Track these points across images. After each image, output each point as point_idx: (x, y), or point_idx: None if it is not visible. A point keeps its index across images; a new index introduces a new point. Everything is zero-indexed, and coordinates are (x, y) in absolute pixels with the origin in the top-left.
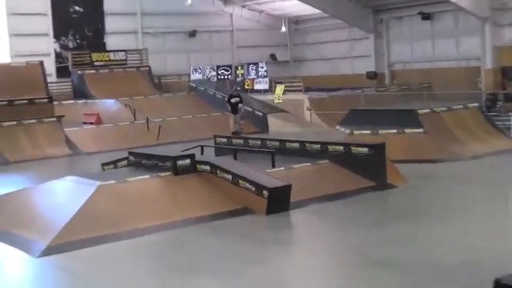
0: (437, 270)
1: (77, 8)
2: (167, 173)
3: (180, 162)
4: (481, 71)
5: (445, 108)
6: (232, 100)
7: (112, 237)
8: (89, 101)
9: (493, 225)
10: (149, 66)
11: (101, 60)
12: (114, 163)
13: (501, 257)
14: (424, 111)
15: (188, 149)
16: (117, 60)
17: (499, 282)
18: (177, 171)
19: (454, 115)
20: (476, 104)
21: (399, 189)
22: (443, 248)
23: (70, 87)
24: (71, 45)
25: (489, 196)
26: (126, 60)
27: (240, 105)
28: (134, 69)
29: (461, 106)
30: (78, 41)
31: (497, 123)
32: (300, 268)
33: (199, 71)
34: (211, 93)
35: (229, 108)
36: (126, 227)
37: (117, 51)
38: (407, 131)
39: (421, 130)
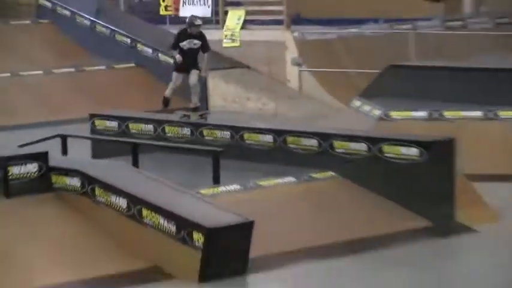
0: None
1: None
2: None
3: (15, 170)
4: None
5: None
6: (185, 44)
7: None
8: None
9: None
10: None
11: None
12: None
13: None
14: None
15: (35, 142)
16: None
17: None
18: (9, 188)
19: None
20: None
21: (482, 235)
22: None
23: None
24: None
25: None
26: None
27: (204, 55)
28: None
29: None
30: None
31: None
32: None
33: None
34: (87, 23)
35: (176, 59)
36: None
37: None
38: (503, 114)
39: None
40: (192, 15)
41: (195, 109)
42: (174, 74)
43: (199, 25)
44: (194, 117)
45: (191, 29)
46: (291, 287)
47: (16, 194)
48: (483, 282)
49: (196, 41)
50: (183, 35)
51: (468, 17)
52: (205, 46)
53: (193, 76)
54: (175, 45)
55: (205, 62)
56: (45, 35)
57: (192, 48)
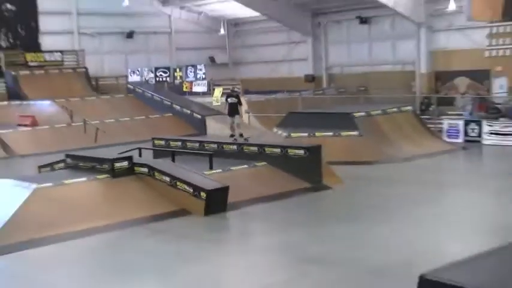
0: (366, 266)
1: (8, 6)
2: (105, 176)
3: (117, 165)
4: (415, 75)
5: (380, 112)
6: (229, 100)
7: (50, 240)
8: (24, 102)
9: (424, 225)
10: (86, 68)
11: (36, 61)
12: (51, 165)
13: (430, 255)
14: (360, 114)
15: (126, 152)
16: (53, 61)
17: (424, 278)
18: (114, 173)
19: (389, 118)
20: (410, 108)
21: (334, 190)
22: (374, 247)
23: (4, 88)
24: (3, 44)
25: (421, 196)
26: (62, 61)
27: (240, 107)
28: (70, 70)
29: (395, 109)
30: (11, 40)
31: (430, 126)
32: (236, 266)
33: (137, 72)
34: (149, 95)
35: (227, 108)
36: (64, 229)
37: (52, 51)
38: (343, 133)
39: (356, 133)
40: (234, 87)
41: (241, 135)
42: (228, 117)
43: (236, 90)
44: (240, 140)
45: (232, 93)
46: (251, 216)
47: (118, 176)
48: (337, 207)
49: (234, 99)
50: (228, 95)
51: (325, 89)
52: (239, 102)
53: (237, 119)
54: (226, 101)
55: (240, 111)
56: (130, 102)
57: (232, 103)
